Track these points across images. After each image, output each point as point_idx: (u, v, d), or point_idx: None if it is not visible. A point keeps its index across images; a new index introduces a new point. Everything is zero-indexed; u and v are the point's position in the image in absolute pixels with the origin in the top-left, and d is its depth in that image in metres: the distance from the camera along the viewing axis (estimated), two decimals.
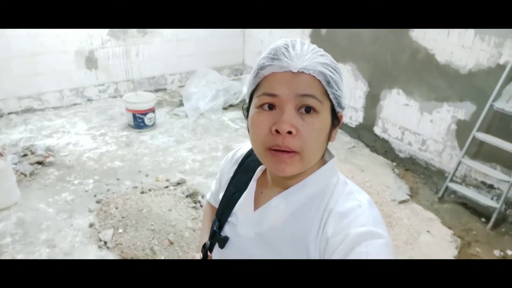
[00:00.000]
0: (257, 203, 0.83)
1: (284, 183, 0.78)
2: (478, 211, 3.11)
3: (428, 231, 2.77)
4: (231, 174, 0.93)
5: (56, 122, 4.21)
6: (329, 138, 0.75)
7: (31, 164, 3.31)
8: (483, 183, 3.23)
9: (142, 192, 3.00)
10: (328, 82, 0.70)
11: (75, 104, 4.61)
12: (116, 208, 2.80)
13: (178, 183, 3.15)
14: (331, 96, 0.71)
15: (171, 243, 2.47)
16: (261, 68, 0.70)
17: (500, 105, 2.84)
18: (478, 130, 3.01)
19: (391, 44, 3.68)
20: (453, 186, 3.18)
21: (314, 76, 0.68)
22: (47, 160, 3.41)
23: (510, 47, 2.85)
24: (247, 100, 0.77)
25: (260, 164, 0.84)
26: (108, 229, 2.63)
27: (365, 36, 3.88)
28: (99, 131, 4.05)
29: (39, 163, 3.37)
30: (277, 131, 0.67)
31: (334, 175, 0.78)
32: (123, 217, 2.70)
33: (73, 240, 2.58)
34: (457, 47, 3.17)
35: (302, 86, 0.67)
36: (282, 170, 0.70)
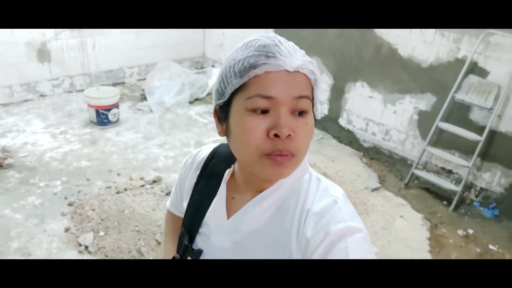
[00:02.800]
0: (230, 210, 0.79)
1: (259, 185, 0.75)
2: (440, 195, 3.37)
3: (401, 216, 2.95)
4: (194, 180, 0.87)
5: (7, 120, 3.88)
6: None
7: None
8: (443, 168, 3.49)
9: (118, 192, 2.88)
10: (316, 81, 0.70)
11: (26, 100, 4.27)
12: (93, 210, 2.67)
13: (154, 181, 3.06)
14: (315, 95, 0.70)
15: (159, 243, 2.41)
16: (253, 66, 0.64)
17: (460, 96, 3.07)
18: (440, 120, 3.25)
19: (355, 38, 3.82)
20: (418, 172, 3.41)
21: (306, 76, 0.67)
22: (5, 162, 3.15)
23: (468, 43, 3.09)
24: (221, 101, 0.70)
25: (225, 167, 0.82)
26: (87, 232, 2.50)
27: (330, 31, 3.99)
28: (58, 129, 3.80)
29: None
30: (275, 136, 0.64)
31: (306, 171, 0.78)
32: (102, 219, 2.59)
33: (50, 246, 2.43)
34: (419, 42, 3.37)
35: (298, 87, 0.65)
36: (280, 174, 0.68)
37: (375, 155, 3.91)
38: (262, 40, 0.67)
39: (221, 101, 0.70)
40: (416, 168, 3.45)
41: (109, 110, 3.82)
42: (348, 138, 4.16)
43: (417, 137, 3.59)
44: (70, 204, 2.78)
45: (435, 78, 3.35)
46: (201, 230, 0.83)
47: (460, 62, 3.15)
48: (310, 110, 0.68)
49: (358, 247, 0.63)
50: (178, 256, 0.86)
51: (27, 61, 4.13)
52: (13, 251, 2.36)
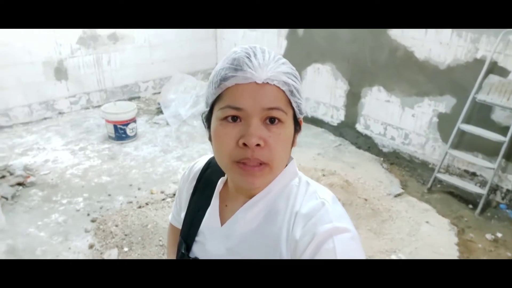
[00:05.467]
0: (223, 217, 0.81)
1: (248, 191, 0.77)
2: (464, 198, 3.29)
3: (427, 222, 2.89)
4: (191, 191, 0.90)
5: (28, 138, 3.94)
6: (292, 144, 0.75)
7: (11, 186, 3.07)
8: (466, 171, 3.42)
9: (140, 207, 2.88)
10: (292, 92, 0.69)
11: (45, 118, 4.34)
12: (116, 226, 2.68)
13: (175, 194, 3.06)
14: (294, 105, 0.71)
15: None
16: (224, 79, 0.67)
17: (481, 97, 3.02)
18: (462, 121, 3.19)
19: (369, 43, 3.80)
20: (441, 176, 3.34)
21: (278, 87, 0.68)
22: (28, 180, 3.19)
23: (486, 42, 3.04)
24: (207, 110, 0.74)
25: (220, 176, 0.83)
26: (112, 249, 2.50)
27: (343, 36, 3.98)
28: (77, 145, 3.84)
29: (20, 184, 3.14)
30: (245, 145, 0.66)
31: (295, 176, 0.79)
32: (126, 235, 2.59)
33: None
34: (435, 43, 3.33)
35: (268, 99, 0.66)
36: (251, 183, 0.69)
37: (395, 160, 3.85)
38: (237, 53, 0.69)
39: (207, 109, 0.74)
40: (438, 171, 3.39)
41: (127, 125, 3.86)
42: (366, 144, 4.11)
43: (438, 140, 3.53)
44: (93, 221, 2.79)
45: (454, 80, 3.29)
46: (197, 238, 0.85)
47: (479, 62, 3.10)
48: (286, 120, 0.70)
49: (346, 247, 0.64)
50: None
51: (45, 80, 4.20)
52: None
